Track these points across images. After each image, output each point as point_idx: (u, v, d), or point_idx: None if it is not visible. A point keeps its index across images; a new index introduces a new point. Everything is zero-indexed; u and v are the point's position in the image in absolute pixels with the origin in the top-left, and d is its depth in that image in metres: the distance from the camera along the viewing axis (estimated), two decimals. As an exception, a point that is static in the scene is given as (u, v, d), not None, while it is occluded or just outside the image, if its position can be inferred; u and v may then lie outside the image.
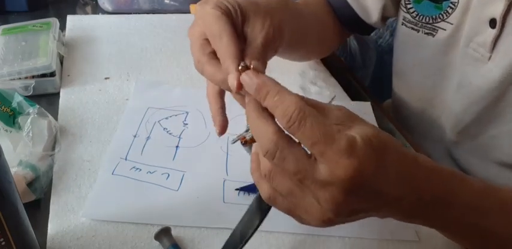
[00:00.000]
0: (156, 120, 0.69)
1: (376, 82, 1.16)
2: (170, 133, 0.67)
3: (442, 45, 0.68)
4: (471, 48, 0.64)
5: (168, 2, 0.99)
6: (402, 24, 0.73)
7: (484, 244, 0.48)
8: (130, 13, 0.97)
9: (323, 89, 0.79)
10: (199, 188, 0.59)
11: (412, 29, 0.71)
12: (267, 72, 0.86)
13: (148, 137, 0.66)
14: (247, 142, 0.48)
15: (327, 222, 0.41)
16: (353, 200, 0.39)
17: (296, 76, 0.82)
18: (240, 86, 0.43)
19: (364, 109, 0.76)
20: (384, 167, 0.38)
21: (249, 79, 0.42)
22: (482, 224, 0.44)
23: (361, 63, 1.17)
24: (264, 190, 0.42)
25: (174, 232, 0.52)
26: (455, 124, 0.70)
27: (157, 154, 0.63)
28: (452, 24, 0.66)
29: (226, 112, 0.73)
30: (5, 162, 0.40)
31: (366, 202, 0.40)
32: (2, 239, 0.42)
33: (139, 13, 0.97)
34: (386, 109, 0.85)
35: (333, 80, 0.83)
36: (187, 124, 0.69)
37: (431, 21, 0.69)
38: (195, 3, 0.97)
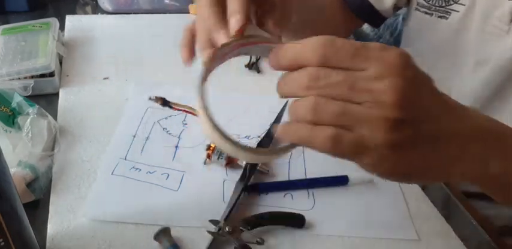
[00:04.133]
0: (155, 119, 0.69)
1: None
2: (170, 133, 0.67)
3: (455, 27, 0.70)
4: (490, 24, 0.66)
5: (168, 2, 0.99)
6: (416, 10, 0.75)
7: None
8: (130, 13, 0.97)
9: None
10: (199, 188, 0.59)
11: (426, 13, 0.73)
12: (267, 73, 0.87)
13: (147, 137, 0.66)
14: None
15: (394, 129, 0.35)
16: (412, 89, 0.35)
17: (296, 76, 0.82)
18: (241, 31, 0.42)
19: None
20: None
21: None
22: None
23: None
24: (324, 131, 0.37)
25: (173, 232, 0.52)
26: (474, 102, 0.71)
27: (156, 154, 0.63)
28: (464, 5, 0.68)
29: (226, 112, 0.73)
30: (5, 162, 0.40)
31: (426, 98, 0.37)
32: (1, 240, 0.41)
33: (139, 13, 0.97)
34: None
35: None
36: (186, 124, 0.69)
37: (444, 4, 0.70)
38: (195, 3, 0.98)
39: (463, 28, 0.70)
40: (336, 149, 0.37)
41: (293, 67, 0.38)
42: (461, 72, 0.73)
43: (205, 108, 0.41)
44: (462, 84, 0.73)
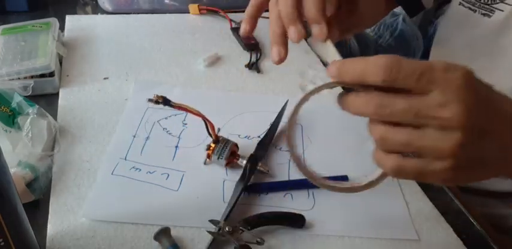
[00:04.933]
0: (155, 120, 0.69)
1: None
2: (170, 133, 0.67)
3: (497, 27, 0.69)
4: None
5: (168, 2, 0.99)
6: (459, 4, 0.74)
7: None
8: (130, 13, 0.97)
9: (323, 89, 0.79)
10: (199, 188, 0.59)
11: (470, 8, 0.72)
12: (267, 73, 0.87)
13: (147, 137, 0.66)
14: None
15: (461, 148, 0.37)
16: (474, 111, 0.37)
17: (296, 76, 0.83)
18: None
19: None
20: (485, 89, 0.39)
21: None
22: None
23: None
24: (389, 161, 0.41)
25: (173, 232, 0.52)
26: None
27: (156, 154, 0.63)
28: (511, 5, 0.67)
29: (226, 112, 0.73)
30: (4, 162, 0.40)
31: (486, 115, 0.38)
32: (1, 240, 0.41)
33: (139, 13, 0.97)
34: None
35: (332, 80, 0.83)
36: (186, 124, 0.69)
37: (490, 2, 0.69)
38: (195, 3, 0.98)
39: (506, 28, 0.68)
40: (400, 176, 0.42)
41: (354, 83, 0.40)
42: (498, 72, 0.71)
43: (294, 147, 0.43)
44: (498, 86, 0.72)
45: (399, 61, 0.37)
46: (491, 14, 0.70)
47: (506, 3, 0.67)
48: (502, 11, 0.68)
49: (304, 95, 0.41)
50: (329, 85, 0.41)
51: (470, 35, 0.73)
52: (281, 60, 0.50)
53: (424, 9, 0.80)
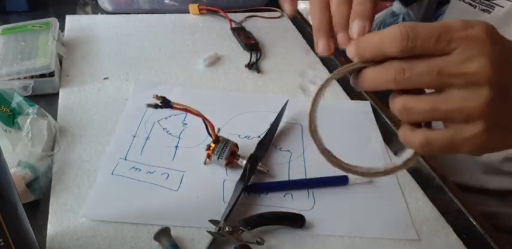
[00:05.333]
0: (155, 119, 0.69)
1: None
2: (170, 133, 0.67)
3: (497, 22, 0.69)
4: None
5: (168, 2, 0.99)
6: (460, 0, 0.74)
7: None
8: (130, 13, 0.97)
9: (323, 89, 0.79)
10: (199, 188, 0.59)
11: (470, 4, 0.73)
12: (267, 73, 0.87)
13: (147, 137, 0.66)
14: None
15: (490, 106, 0.35)
16: (500, 65, 0.35)
17: (296, 76, 0.83)
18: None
19: (363, 109, 0.76)
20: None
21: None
22: None
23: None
24: (417, 137, 0.39)
25: (173, 232, 0.52)
26: None
27: (156, 154, 0.63)
28: (510, 1, 0.67)
29: (226, 112, 0.73)
30: (4, 162, 0.40)
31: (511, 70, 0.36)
32: (1, 240, 0.41)
33: (139, 13, 0.97)
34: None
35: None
36: (186, 124, 0.69)
37: None
38: (195, 3, 0.98)
39: (505, 24, 0.68)
40: (431, 151, 0.39)
41: (377, 59, 0.38)
42: None
43: (315, 130, 0.43)
44: None
45: (414, 27, 0.35)
46: (491, 10, 0.70)
47: None
48: (502, 7, 0.68)
49: (327, 79, 0.40)
50: (351, 66, 0.40)
51: None
52: (331, 53, 0.46)
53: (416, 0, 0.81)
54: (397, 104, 0.38)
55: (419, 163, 0.66)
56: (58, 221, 0.53)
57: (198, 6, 0.98)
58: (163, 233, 0.51)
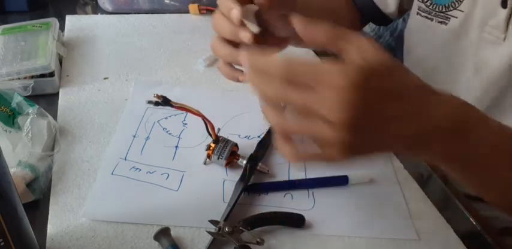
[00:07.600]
0: (155, 120, 0.69)
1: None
2: (169, 133, 0.67)
3: (454, 33, 0.71)
4: (486, 32, 0.66)
5: (168, 2, 0.99)
6: (417, 14, 0.76)
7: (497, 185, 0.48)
8: (130, 13, 0.97)
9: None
10: (199, 188, 0.59)
11: (426, 17, 0.74)
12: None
13: (147, 137, 0.66)
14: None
15: (345, 144, 0.39)
16: (356, 109, 0.37)
17: (296, 76, 0.83)
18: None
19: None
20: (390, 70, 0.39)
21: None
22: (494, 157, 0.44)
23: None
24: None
25: (173, 232, 0.52)
26: None
27: (156, 154, 0.63)
28: (463, 11, 0.69)
29: (226, 112, 0.73)
30: (4, 162, 0.40)
31: (377, 111, 0.39)
32: (1, 240, 0.42)
33: (139, 13, 0.97)
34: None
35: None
36: (186, 124, 0.69)
37: (444, 10, 0.71)
38: (195, 3, 0.98)
39: (462, 34, 0.70)
40: (300, 160, 0.43)
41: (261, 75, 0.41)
42: (462, 77, 0.73)
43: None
44: (463, 89, 0.73)
45: (290, 62, 0.39)
46: (447, 22, 0.71)
47: (459, 10, 0.69)
48: (456, 17, 0.70)
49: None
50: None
51: (432, 42, 0.75)
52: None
53: (392, 21, 0.82)
54: (271, 120, 0.42)
55: (419, 163, 0.66)
56: (58, 221, 0.53)
57: (198, 6, 0.98)
58: (163, 233, 0.51)
